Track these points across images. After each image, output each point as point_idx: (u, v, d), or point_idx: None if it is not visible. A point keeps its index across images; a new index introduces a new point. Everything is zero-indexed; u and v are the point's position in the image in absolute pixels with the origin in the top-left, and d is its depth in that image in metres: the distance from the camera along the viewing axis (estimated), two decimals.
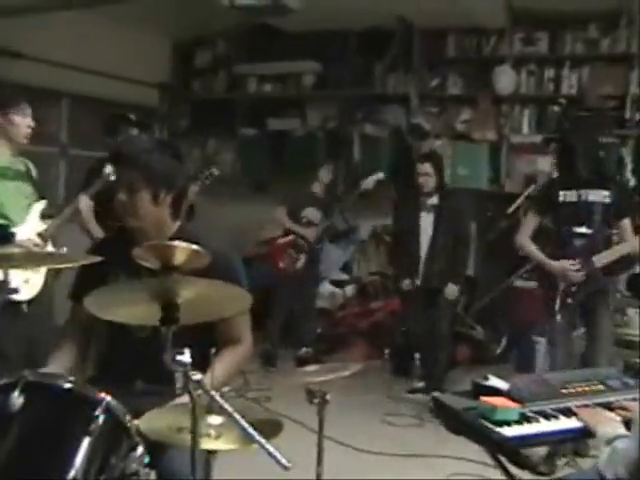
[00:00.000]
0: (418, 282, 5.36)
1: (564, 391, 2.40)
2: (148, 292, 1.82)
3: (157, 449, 1.99)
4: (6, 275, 3.01)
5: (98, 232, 4.18)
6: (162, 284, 1.85)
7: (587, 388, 2.44)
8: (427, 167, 5.32)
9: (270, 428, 1.88)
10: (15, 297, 3.37)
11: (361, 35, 6.99)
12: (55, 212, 3.75)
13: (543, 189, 4.79)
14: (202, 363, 1.89)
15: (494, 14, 6.32)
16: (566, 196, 4.16)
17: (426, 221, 5.35)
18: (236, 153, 7.64)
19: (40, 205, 3.68)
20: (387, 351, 5.78)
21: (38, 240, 3.56)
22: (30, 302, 3.50)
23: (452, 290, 5.29)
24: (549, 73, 6.48)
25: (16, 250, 3.18)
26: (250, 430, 1.71)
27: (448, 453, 3.97)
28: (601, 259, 4.08)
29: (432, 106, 6.91)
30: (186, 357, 1.75)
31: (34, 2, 5.44)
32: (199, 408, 1.75)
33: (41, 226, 3.62)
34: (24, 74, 5.80)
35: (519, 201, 5.88)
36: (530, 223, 4.39)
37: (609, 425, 2.09)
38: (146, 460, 1.91)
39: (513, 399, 2.28)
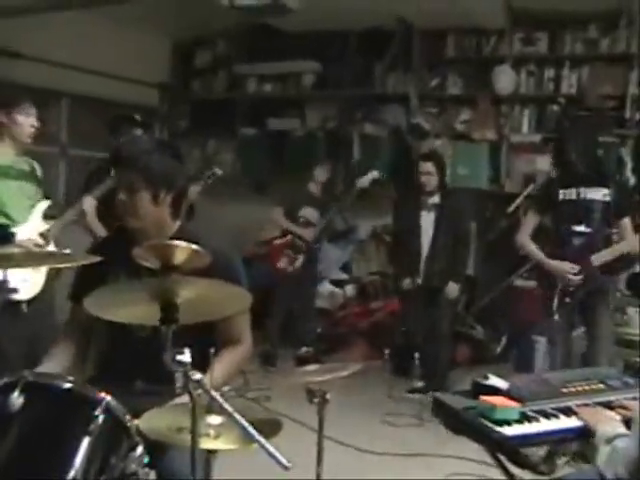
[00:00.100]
0: (419, 281, 5.37)
1: (564, 390, 2.39)
2: (148, 292, 1.83)
3: (157, 449, 1.99)
4: (6, 275, 3.01)
5: (102, 232, 4.18)
6: (162, 284, 1.85)
7: (587, 387, 2.43)
8: (429, 166, 5.34)
9: (270, 428, 1.88)
10: (15, 297, 3.37)
11: (361, 35, 6.99)
12: (56, 212, 3.75)
13: (543, 188, 4.80)
14: (202, 363, 1.89)
15: (494, 14, 6.31)
16: (565, 194, 4.17)
17: (427, 220, 5.36)
18: (236, 153, 7.64)
19: (43, 205, 3.68)
20: (387, 351, 5.78)
21: (40, 240, 3.56)
22: (31, 302, 3.50)
23: (453, 289, 5.30)
24: (549, 73, 6.48)
25: (16, 250, 3.18)
26: (250, 430, 1.71)
27: (448, 453, 3.97)
28: (600, 258, 4.08)
29: (432, 106, 6.91)
30: (186, 357, 1.75)
31: (34, 2, 5.44)
32: (199, 408, 1.75)
33: (43, 226, 3.63)
34: (24, 74, 5.80)
35: (519, 200, 5.89)
36: (530, 222, 4.40)
37: (609, 424, 2.09)
38: (146, 460, 1.91)
39: (513, 398, 2.27)
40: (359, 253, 7.26)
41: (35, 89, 5.71)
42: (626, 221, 4.17)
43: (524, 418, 2.20)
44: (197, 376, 1.75)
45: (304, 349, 5.97)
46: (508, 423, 2.15)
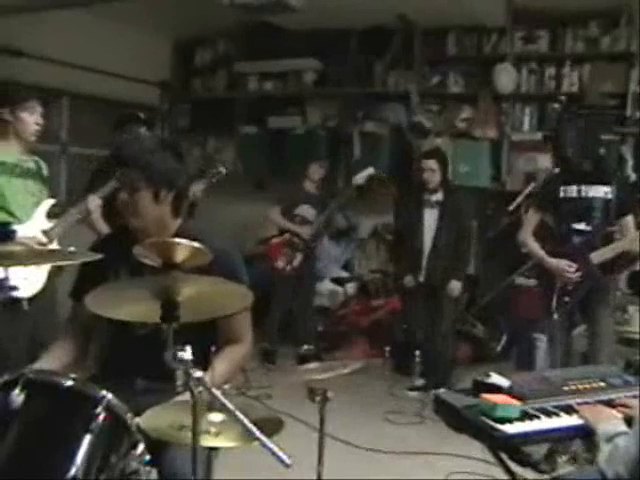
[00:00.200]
0: (421, 279, 5.37)
1: (565, 388, 2.40)
2: (149, 290, 1.83)
3: (158, 447, 1.99)
4: (7, 273, 3.01)
5: (107, 231, 4.18)
6: (163, 282, 1.85)
7: (588, 385, 2.44)
8: (432, 163, 5.34)
9: (271, 426, 1.88)
10: (16, 294, 3.37)
11: (362, 33, 6.98)
12: (59, 210, 3.74)
13: (544, 185, 4.79)
14: (203, 360, 1.89)
15: (495, 12, 6.31)
16: (566, 191, 4.16)
17: (429, 218, 5.36)
18: (236, 151, 7.63)
19: (47, 203, 3.68)
20: (388, 349, 5.79)
21: (43, 238, 3.55)
22: (32, 300, 3.50)
23: (455, 287, 5.29)
24: (550, 71, 6.47)
25: (17, 248, 3.17)
26: (251, 428, 1.71)
27: (449, 451, 3.98)
28: (600, 256, 4.07)
29: (433, 104, 6.90)
30: (187, 354, 1.75)
31: (35, 1, 5.43)
32: (200, 406, 1.75)
33: (47, 224, 3.62)
34: (25, 72, 5.80)
35: (520, 199, 5.88)
36: (531, 220, 4.39)
37: (610, 422, 2.09)
38: (147, 458, 1.91)
39: (514, 396, 2.28)
40: (360, 251, 7.26)
41: (36, 87, 5.70)
42: (629, 219, 4.16)
43: (525, 416, 2.20)
44: (198, 374, 1.75)
45: (305, 347, 5.97)
46: (509, 421, 2.15)
